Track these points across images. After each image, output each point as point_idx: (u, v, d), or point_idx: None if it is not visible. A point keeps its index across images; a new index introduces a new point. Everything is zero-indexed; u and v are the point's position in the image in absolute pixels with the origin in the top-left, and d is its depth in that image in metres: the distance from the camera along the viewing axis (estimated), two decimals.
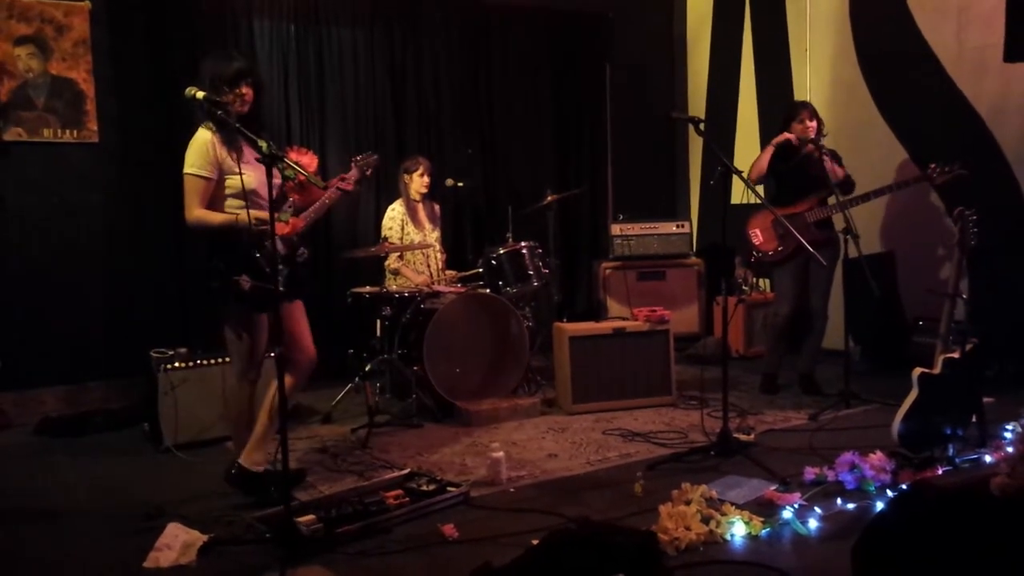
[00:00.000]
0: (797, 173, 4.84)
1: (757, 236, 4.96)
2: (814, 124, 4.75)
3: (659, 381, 4.84)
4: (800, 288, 4.91)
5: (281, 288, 3.25)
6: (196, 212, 3.26)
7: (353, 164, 3.74)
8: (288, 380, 3.44)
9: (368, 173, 3.77)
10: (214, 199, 3.29)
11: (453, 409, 4.67)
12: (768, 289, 6.33)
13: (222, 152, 3.27)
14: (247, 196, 3.21)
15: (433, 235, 5.41)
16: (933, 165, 4.56)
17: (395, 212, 5.33)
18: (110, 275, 5.13)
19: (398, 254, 5.24)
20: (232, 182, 3.28)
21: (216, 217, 3.26)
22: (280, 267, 3.31)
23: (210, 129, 3.28)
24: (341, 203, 4.11)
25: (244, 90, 3.33)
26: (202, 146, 3.26)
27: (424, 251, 5.32)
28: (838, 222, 4.66)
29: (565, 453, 4.02)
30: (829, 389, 4.87)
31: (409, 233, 5.29)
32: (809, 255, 4.63)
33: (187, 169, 3.27)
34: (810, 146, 4.70)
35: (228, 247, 3.27)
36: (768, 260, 4.96)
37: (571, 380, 4.74)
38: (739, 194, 5.21)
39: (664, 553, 2.73)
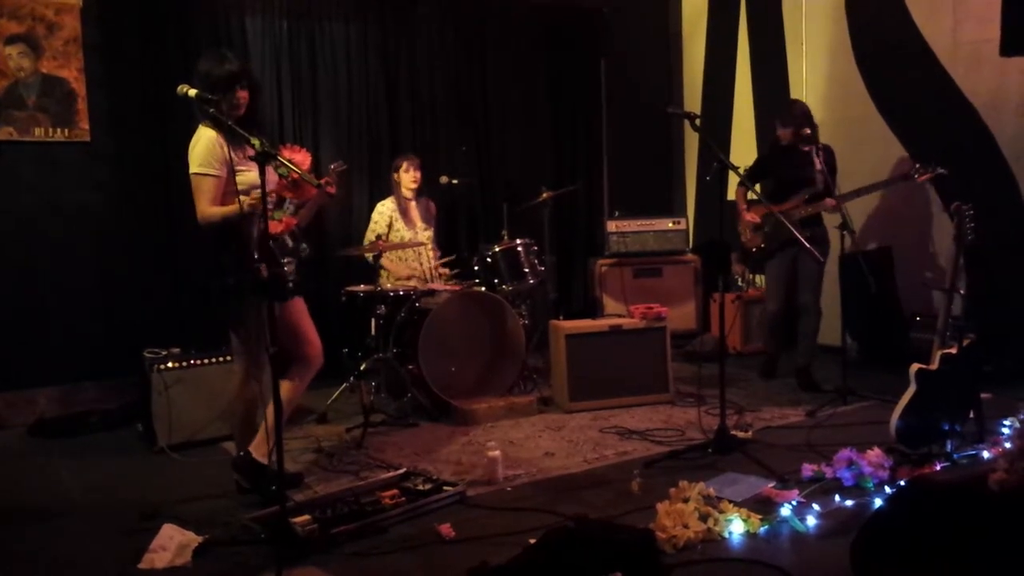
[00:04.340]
0: (785, 171, 4.84)
1: (744, 234, 5.01)
2: (799, 131, 4.72)
3: (656, 378, 4.83)
4: (786, 285, 4.94)
5: (291, 280, 3.25)
6: (209, 210, 3.22)
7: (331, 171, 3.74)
8: (302, 375, 3.53)
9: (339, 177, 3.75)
10: (223, 197, 3.24)
11: (449, 408, 4.65)
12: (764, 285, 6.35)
13: (228, 150, 3.20)
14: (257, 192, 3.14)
15: (425, 233, 5.39)
16: (917, 165, 4.64)
17: (384, 208, 5.31)
18: (103, 274, 5.09)
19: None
20: (242, 178, 3.24)
21: (224, 209, 3.20)
22: (288, 259, 3.34)
23: (212, 127, 3.24)
24: (331, 204, 4.17)
25: (240, 94, 3.29)
26: (209, 144, 3.21)
27: (416, 249, 5.30)
28: (834, 219, 4.66)
29: (562, 451, 4.01)
30: (826, 385, 4.86)
31: (399, 230, 5.27)
32: (795, 253, 4.66)
33: (195, 168, 3.23)
34: (804, 145, 4.71)
35: (240, 239, 3.20)
36: (753, 257, 5.00)
37: (567, 378, 4.72)
38: (735, 190, 5.21)
39: (662, 551, 2.73)
